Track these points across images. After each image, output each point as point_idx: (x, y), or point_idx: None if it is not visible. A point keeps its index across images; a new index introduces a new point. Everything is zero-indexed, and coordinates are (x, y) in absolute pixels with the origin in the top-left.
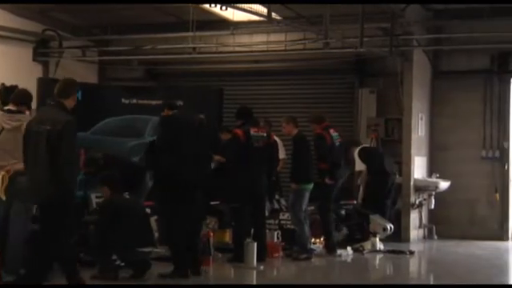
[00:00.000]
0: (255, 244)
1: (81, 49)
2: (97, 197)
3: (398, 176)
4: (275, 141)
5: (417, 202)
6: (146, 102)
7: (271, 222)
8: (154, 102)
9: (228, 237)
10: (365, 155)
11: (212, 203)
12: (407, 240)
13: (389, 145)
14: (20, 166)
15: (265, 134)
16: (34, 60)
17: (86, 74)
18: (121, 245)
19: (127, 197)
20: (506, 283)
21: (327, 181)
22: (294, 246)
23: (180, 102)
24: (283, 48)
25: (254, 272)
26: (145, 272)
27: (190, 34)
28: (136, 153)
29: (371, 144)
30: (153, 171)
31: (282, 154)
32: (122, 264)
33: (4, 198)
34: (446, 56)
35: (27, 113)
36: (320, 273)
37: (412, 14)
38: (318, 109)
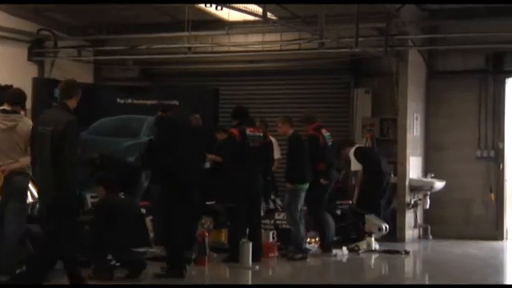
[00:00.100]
0: (250, 244)
1: (76, 48)
2: (92, 197)
3: (392, 176)
4: (271, 141)
5: (412, 201)
6: (141, 101)
7: (267, 221)
8: (149, 102)
9: (223, 237)
10: (361, 155)
11: (207, 203)
12: (402, 240)
13: (384, 145)
14: (15, 165)
15: (261, 134)
16: (29, 60)
17: (82, 73)
18: (116, 245)
19: (122, 197)
20: (501, 283)
21: (322, 181)
22: (290, 245)
23: (175, 102)
24: (278, 48)
25: (250, 272)
26: (140, 272)
27: (186, 33)
28: (131, 153)
29: (366, 144)
30: (150, 171)
31: (277, 154)
32: (117, 264)
33: None
34: (441, 56)
35: (22, 113)
36: (315, 273)
37: (407, 14)
38: (314, 109)
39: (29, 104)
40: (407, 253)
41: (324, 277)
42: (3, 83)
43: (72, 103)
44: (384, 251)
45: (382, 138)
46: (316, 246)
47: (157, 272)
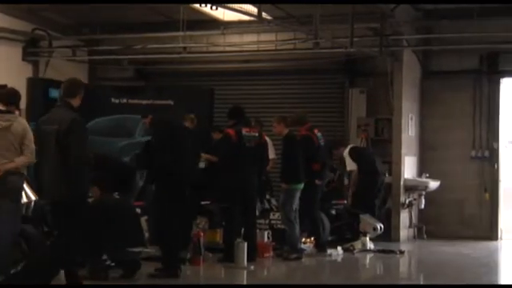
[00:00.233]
0: (245, 244)
1: (71, 48)
2: None
3: (387, 176)
4: (265, 141)
5: (407, 201)
6: (136, 101)
7: (262, 221)
8: (144, 102)
9: (218, 237)
10: (356, 155)
11: (202, 203)
12: (397, 240)
13: (379, 145)
14: (10, 165)
15: (256, 134)
16: (23, 60)
17: (76, 73)
18: (111, 245)
19: (117, 197)
20: (495, 283)
21: (317, 182)
22: (285, 245)
23: (170, 102)
24: (273, 48)
25: (245, 272)
26: (135, 272)
27: (181, 33)
28: (126, 153)
29: (361, 144)
30: (147, 171)
31: (271, 154)
32: (112, 264)
33: None
34: (435, 56)
35: (17, 112)
36: (310, 273)
37: (402, 14)
38: (308, 109)
39: (23, 104)
40: (402, 252)
41: (319, 277)
42: None
43: (76, 102)
44: (379, 251)
45: (377, 138)
46: (311, 245)
47: (152, 272)
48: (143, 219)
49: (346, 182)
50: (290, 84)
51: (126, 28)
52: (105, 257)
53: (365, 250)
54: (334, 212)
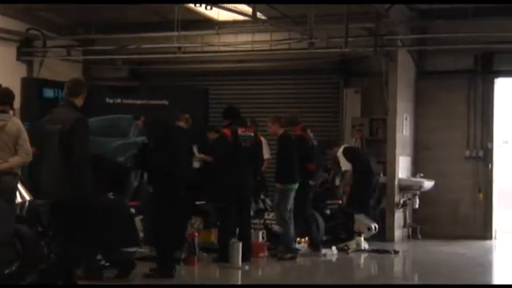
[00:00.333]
0: (240, 244)
1: (65, 48)
2: None
3: (381, 175)
4: (260, 141)
5: (401, 201)
6: (130, 101)
7: (256, 221)
8: (138, 102)
9: (213, 237)
10: (350, 155)
11: (197, 203)
12: (392, 239)
13: (373, 145)
14: (4, 165)
15: (252, 134)
16: (17, 59)
17: (71, 73)
18: (106, 245)
19: (112, 197)
20: (490, 282)
21: (311, 182)
22: (279, 245)
23: (165, 102)
24: (268, 48)
25: (239, 272)
26: (129, 272)
27: (175, 33)
28: (121, 153)
29: (356, 144)
30: (144, 171)
31: (266, 154)
32: (107, 264)
33: None
34: (430, 56)
35: (11, 112)
36: (305, 272)
37: (396, 14)
38: (303, 108)
39: (17, 104)
40: (396, 252)
41: (313, 276)
42: None
43: (79, 101)
44: (373, 251)
45: (372, 138)
46: (305, 245)
47: (146, 272)
48: (138, 219)
49: (337, 182)
50: (284, 84)
51: (121, 28)
52: (99, 257)
53: (359, 250)
54: (328, 212)
